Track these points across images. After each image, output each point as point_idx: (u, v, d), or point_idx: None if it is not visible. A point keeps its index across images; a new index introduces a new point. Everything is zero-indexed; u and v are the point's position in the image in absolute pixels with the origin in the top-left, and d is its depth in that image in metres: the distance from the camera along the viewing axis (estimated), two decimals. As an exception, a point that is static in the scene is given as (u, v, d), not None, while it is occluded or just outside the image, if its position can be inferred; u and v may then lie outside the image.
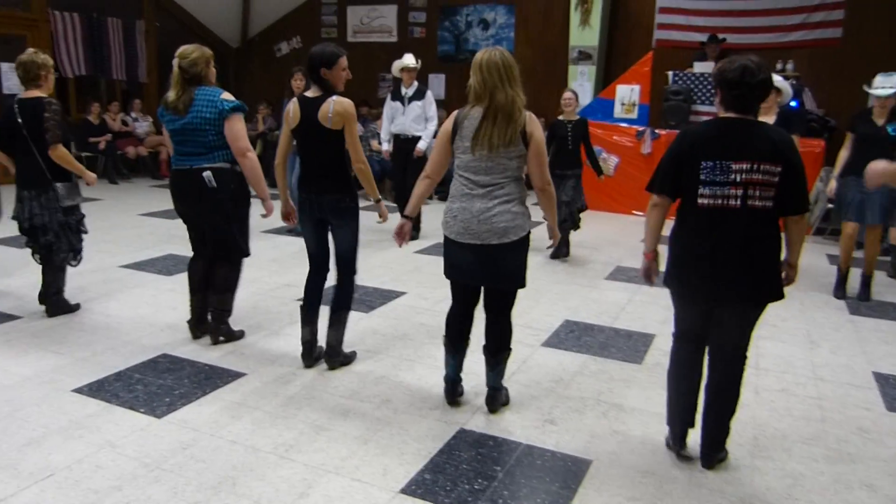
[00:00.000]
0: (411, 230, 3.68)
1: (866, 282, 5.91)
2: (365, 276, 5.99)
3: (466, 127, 3.29)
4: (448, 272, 3.51)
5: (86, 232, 4.95)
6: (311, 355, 4.13)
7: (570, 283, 6.10)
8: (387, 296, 5.54)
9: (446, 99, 12.45)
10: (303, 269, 5.56)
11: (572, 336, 4.78)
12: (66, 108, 11.57)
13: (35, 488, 2.82)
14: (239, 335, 4.55)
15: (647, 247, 3.17)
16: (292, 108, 3.90)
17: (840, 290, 5.96)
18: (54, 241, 4.69)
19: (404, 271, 6.29)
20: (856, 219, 5.79)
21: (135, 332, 4.59)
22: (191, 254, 4.54)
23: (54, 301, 4.85)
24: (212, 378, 3.92)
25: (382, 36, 13.22)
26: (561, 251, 6.88)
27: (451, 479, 2.98)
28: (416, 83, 7.74)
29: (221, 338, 4.47)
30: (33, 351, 4.24)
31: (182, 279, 5.80)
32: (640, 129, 9.49)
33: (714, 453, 3.13)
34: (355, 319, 4.93)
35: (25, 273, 5.82)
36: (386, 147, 7.92)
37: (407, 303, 5.40)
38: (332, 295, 4.12)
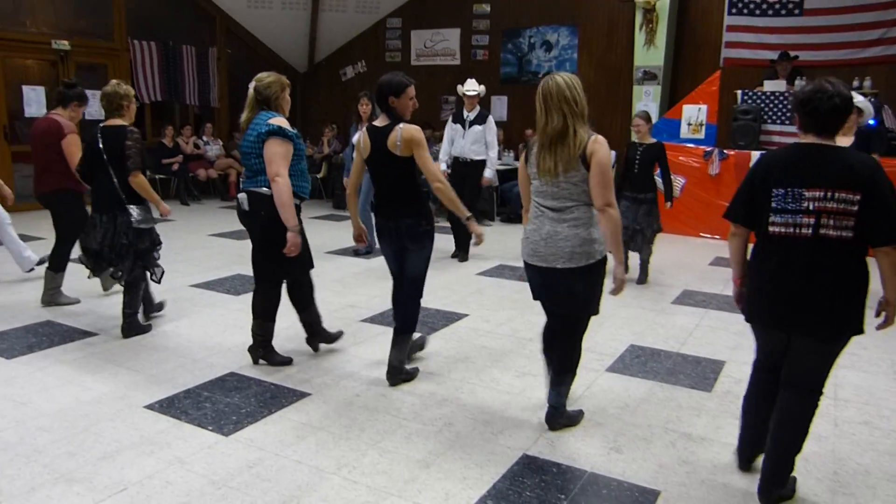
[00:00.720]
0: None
1: None
2: (428, 297, 5.98)
3: (532, 155, 3.39)
4: (533, 295, 3.59)
5: (158, 254, 5.09)
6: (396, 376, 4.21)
7: (635, 306, 5.98)
8: (449, 318, 5.54)
9: (508, 121, 12.47)
10: (366, 289, 5.62)
11: (638, 361, 4.68)
12: (143, 133, 12.05)
13: (109, 502, 2.90)
14: (282, 361, 4.47)
15: (735, 274, 3.13)
16: (362, 138, 4.00)
17: None
18: (123, 262, 4.82)
19: (467, 293, 6.28)
20: None
21: (204, 351, 4.70)
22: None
23: (129, 322, 4.97)
24: (277, 397, 3.97)
25: (445, 59, 13.35)
26: (640, 278, 6.74)
27: (514, 505, 2.94)
28: (478, 107, 7.79)
29: (261, 360, 4.48)
30: (109, 367, 4.38)
31: (248, 299, 5.95)
32: (708, 149, 9.30)
33: (775, 489, 2.95)
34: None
35: (102, 294, 6.04)
36: (444, 168, 7.94)
37: (469, 325, 5.38)
38: (399, 316, 4.19)
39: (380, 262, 7.43)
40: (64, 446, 3.36)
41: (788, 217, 2.77)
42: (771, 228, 2.83)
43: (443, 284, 6.53)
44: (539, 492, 3.05)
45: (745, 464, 3.22)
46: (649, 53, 11.02)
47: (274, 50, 13.90)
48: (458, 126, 7.77)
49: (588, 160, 3.21)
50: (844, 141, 5.26)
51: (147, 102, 11.89)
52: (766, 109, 9.27)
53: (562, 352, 3.55)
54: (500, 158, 10.52)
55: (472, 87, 7.75)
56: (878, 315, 2.86)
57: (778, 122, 9.12)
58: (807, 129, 2.80)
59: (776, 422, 2.96)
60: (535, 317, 5.57)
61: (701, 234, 9.26)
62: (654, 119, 10.55)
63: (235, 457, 3.30)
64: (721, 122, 9.59)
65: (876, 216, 2.65)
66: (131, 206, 4.80)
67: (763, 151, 8.01)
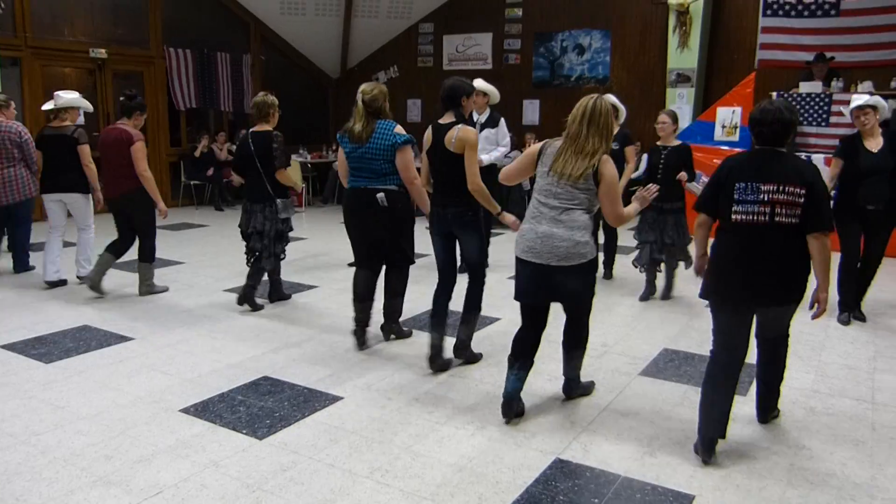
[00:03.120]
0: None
1: None
2: (459, 301, 6.01)
3: (548, 154, 3.65)
4: (516, 295, 3.80)
5: (287, 240, 5.88)
6: (436, 360, 4.48)
7: (668, 310, 5.92)
8: (481, 321, 5.51)
9: (540, 125, 12.43)
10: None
11: (672, 365, 4.64)
12: (178, 139, 12.25)
13: (145, 504, 2.95)
14: (407, 334, 5.17)
15: (698, 252, 3.72)
16: (427, 133, 4.48)
17: None
18: (267, 246, 5.65)
19: (499, 297, 6.26)
20: None
21: (238, 356, 4.76)
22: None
23: (246, 293, 5.79)
24: (310, 401, 4.01)
25: (477, 63, 13.36)
26: (664, 293, 6.39)
27: (546, 510, 2.93)
28: (489, 110, 7.17)
29: (392, 336, 5.10)
30: (145, 371, 4.46)
31: (282, 304, 6.02)
32: (742, 151, 9.17)
33: (767, 412, 3.76)
34: (450, 343, 4.95)
35: (137, 298, 6.16)
36: None
37: (501, 329, 5.37)
38: (465, 296, 4.55)
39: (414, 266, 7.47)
40: (101, 449, 3.42)
41: (748, 206, 3.28)
42: (734, 216, 3.32)
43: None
44: (572, 496, 3.04)
45: (708, 451, 3.35)
46: (683, 56, 10.93)
47: (307, 56, 14.05)
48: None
49: (598, 178, 3.52)
50: (873, 141, 5.37)
51: (182, 109, 12.07)
52: (803, 111, 9.11)
53: (569, 332, 3.92)
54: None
55: (479, 84, 6.74)
56: (811, 307, 3.36)
57: (815, 123, 8.97)
58: (760, 141, 3.38)
59: (761, 365, 3.69)
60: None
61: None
62: (688, 121, 10.47)
63: (269, 460, 3.33)
64: (756, 124, 9.45)
65: (813, 208, 3.21)
66: (278, 199, 5.60)
67: (807, 154, 7.90)
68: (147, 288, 6.28)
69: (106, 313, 5.69)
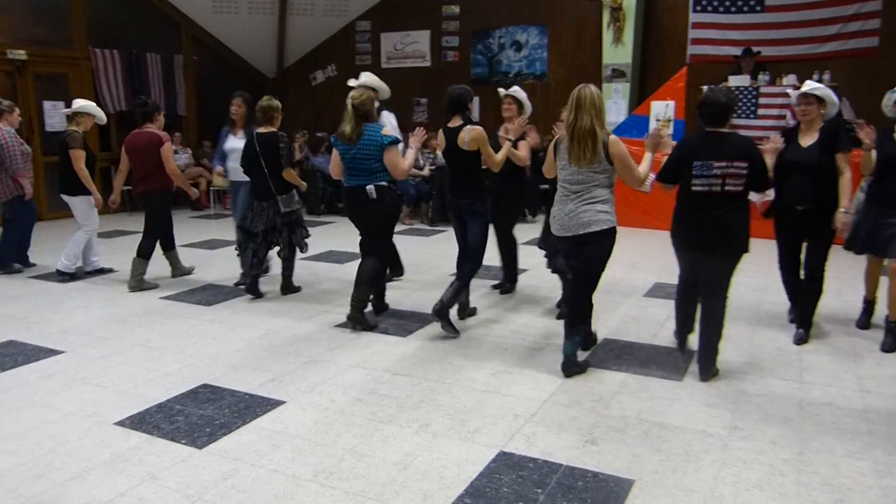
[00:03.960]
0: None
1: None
2: (407, 298, 6.02)
3: (562, 150, 4.29)
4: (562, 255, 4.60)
5: (307, 234, 6.33)
6: (463, 312, 5.51)
7: (608, 301, 6.03)
8: (423, 319, 5.54)
9: (481, 121, 12.45)
10: (338, 296, 5.65)
11: (611, 354, 4.72)
12: (108, 143, 11.88)
13: (80, 519, 2.86)
14: (374, 325, 5.31)
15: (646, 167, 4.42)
16: (440, 136, 5.24)
17: (865, 321, 5.30)
18: (280, 237, 6.09)
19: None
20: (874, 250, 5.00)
21: (175, 364, 4.66)
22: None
23: (286, 283, 6.36)
24: (252, 407, 3.95)
25: (416, 61, 13.37)
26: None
27: (491, 502, 2.95)
28: (376, 106, 6.23)
29: (358, 326, 5.24)
30: (76, 385, 4.32)
31: (221, 308, 5.93)
32: (696, 132, 9.38)
33: (709, 367, 4.27)
34: (392, 343, 4.97)
35: (67, 309, 5.98)
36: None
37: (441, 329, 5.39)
38: (460, 270, 5.33)
39: (348, 270, 7.45)
40: (30, 469, 3.29)
41: (705, 180, 4.14)
42: (693, 188, 4.18)
43: (420, 286, 6.54)
44: (516, 487, 3.07)
45: (682, 345, 4.66)
46: (617, 51, 11.13)
47: (241, 55, 13.82)
48: None
49: (610, 156, 4.11)
50: (807, 138, 4.75)
51: (112, 112, 11.70)
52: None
53: (578, 304, 4.42)
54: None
55: (363, 78, 6.35)
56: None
57: (743, 116, 9.23)
58: (706, 121, 4.22)
59: (702, 321, 4.29)
60: (509, 314, 5.60)
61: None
62: (624, 116, 10.67)
63: (210, 469, 3.27)
64: (689, 117, 9.69)
65: (755, 175, 4.12)
66: (279, 196, 5.98)
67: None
68: (136, 283, 6.60)
69: (34, 326, 5.49)
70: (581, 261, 4.29)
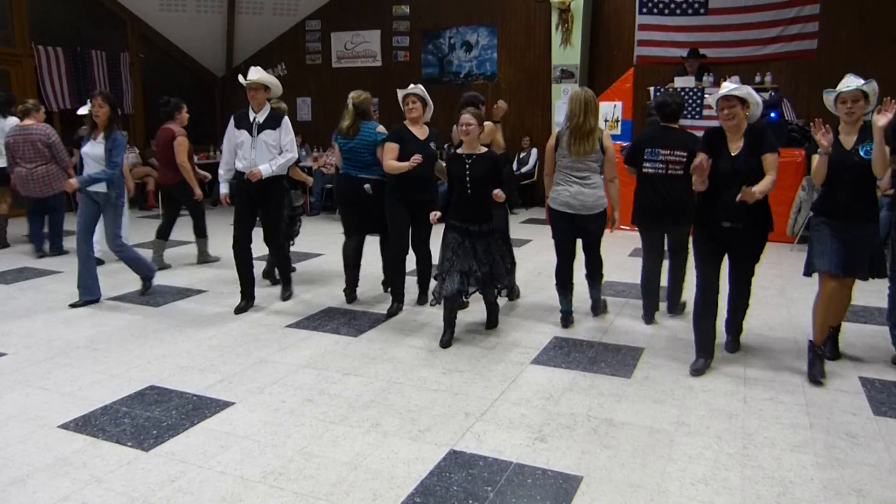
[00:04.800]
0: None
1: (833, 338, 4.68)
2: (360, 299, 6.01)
3: (563, 142, 5.11)
4: (554, 234, 5.30)
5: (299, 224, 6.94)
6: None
7: (557, 299, 6.09)
8: (376, 319, 5.54)
9: (431, 121, 12.48)
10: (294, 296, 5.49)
11: (562, 353, 4.79)
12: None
13: (21, 526, 2.79)
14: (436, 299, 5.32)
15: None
16: (455, 132, 5.38)
17: (816, 369, 4.30)
18: (285, 229, 6.31)
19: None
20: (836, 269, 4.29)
21: (121, 365, 4.57)
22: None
23: (283, 273, 6.44)
24: (200, 408, 3.90)
25: (366, 61, 13.33)
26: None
27: (441, 501, 2.97)
28: (268, 106, 5.70)
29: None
30: (18, 388, 4.21)
31: (169, 310, 5.83)
32: (625, 144, 9.54)
33: (675, 304, 5.57)
34: (344, 343, 4.95)
35: (9, 310, 5.80)
36: (224, 191, 5.95)
37: (394, 325, 5.40)
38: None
39: (301, 269, 7.37)
40: (-29, 472, 3.21)
41: (652, 164, 5.21)
42: (644, 170, 5.26)
43: (371, 284, 6.52)
44: (466, 486, 3.09)
45: (649, 317, 5.48)
46: (566, 52, 11.27)
47: (190, 54, 13.61)
48: (244, 132, 5.63)
49: (604, 150, 5.09)
50: (736, 144, 4.24)
51: (55, 111, 11.40)
52: (678, 104, 9.58)
53: (590, 263, 5.39)
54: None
55: (252, 75, 5.62)
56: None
57: (689, 116, 9.43)
58: (663, 119, 5.24)
59: (670, 271, 5.46)
60: (460, 313, 5.62)
61: (620, 226, 9.47)
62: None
63: (156, 471, 3.22)
64: (636, 117, 9.88)
65: (688, 164, 4.81)
66: (293, 192, 6.64)
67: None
68: (203, 258, 7.71)
69: (-26, 329, 5.33)
70: (586, 235, 5.23)
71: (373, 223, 5.91)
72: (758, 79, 9.66)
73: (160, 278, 6.78)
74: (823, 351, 4.39)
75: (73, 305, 5.94)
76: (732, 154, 4.26)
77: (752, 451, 3.40)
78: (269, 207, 5.85)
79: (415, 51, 12.95)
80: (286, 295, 6.19)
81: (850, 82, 4.20)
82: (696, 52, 9.92)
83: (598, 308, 5.61)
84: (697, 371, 4.38)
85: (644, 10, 10.69)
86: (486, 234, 4.92)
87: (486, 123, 5.30)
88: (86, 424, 3.70)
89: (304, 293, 6.35)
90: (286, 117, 5.77)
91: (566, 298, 5.37)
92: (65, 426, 3.68)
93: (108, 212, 5.94)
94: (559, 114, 11.38)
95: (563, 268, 5.32)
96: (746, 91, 4.25)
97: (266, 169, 5.56)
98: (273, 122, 5.63)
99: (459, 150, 5.01)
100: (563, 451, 3.40)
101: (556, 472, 3.20)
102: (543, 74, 11.68)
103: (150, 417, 3.78)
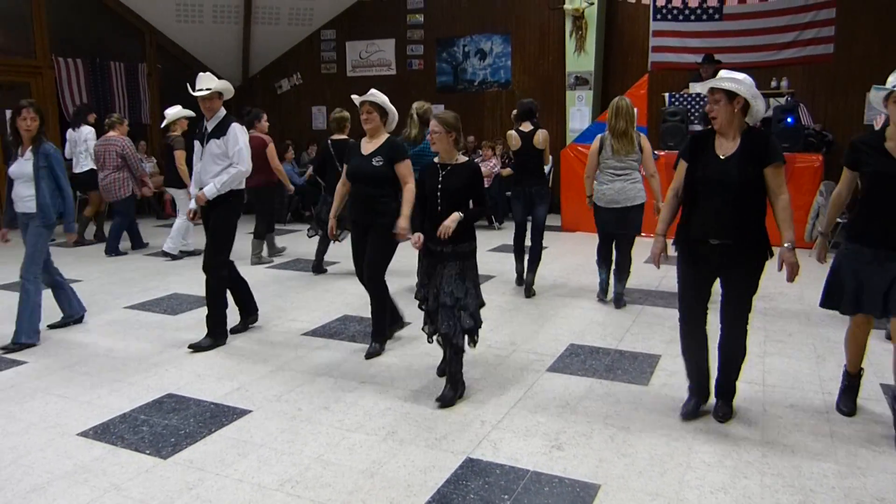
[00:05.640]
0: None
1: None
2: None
3: (607, 145, 5.92)
4: (599, 226, 6.18)
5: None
6: (520, 282, 6.76)
7: (574, 306, 6.09)
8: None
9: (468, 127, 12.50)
10: (306, 304, 5.58)
11: (578, 360, 4.77)
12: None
13: (41, 534, 2.82)
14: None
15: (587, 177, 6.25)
16: (514, 136, 6.47)
17: (848, 402, 3.90)
18: (322, 226, 7.06)
19: (413, 303, 6.29)
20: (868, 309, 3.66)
21: (140, 374, 4.60)
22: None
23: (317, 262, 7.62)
24: (217, 416, 3.92)
25: (381, 69, 13.37)
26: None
27: (458, 509, 2.96)
28: (223, 112, 5.19)
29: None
30: (39, 396, 4.25)
31: (186, 318, 5.87)
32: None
33: (622, 275, 6.20)
34: (360, 351, 4.95)
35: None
36: (192, 205, 5.30)
37: (411, 333, 5.40)
38: (530, 252, 6.57)
39: (315, 278, 7.40)
40: (-8, 480, 3.24)
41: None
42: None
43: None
44: (483, 493, 3.08)
45: (604, 291, 6.32)
46: (580, 59, 11.26)
47: (206, 64, 13.67)
48: (197, 142, 5.24)
49: (642, 149, 5.94)
50: (726, 146, 3.54)
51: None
52: (692, 111, 9.55)
53: (621, 260, 6.12)
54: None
55: (203, 84, 5.16)
56: None
57: (703, 123, 9.39)
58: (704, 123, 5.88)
59: (618, 248, 6.17)
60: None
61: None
62: (588, 123, 10.79)
63: (174, 479, 3.24)
64: (651, 123, 9.84)
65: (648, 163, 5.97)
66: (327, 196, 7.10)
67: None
68: (256, 258, 8.16)
69: (-5, 338, 5.38)
70: (626, 226, 5.95)
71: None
72: (773, 84, 9.60)
73: (173, 285, 6.82)
74: (857, 381, 3.90)
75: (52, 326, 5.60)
76: (721, 157, 3.54)
77: (771, 460, 3.36)
78: (209, 221, 5.14)
79: (429, 59, 12.99)
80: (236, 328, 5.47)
81: None
82: (710, 57, 9.86)
83: (621, 302, 6.11)
84: (688, 415, 3.77)
85: (658, 16, 10.65)
86: (458, 257, 4.06)
87: (540, 130, 6.34)
88: (105, 432, 3.73)
89: (321, 300, 6.37)
90: (234, 124, 5.09)
91: (604, 269, 6.26)
92: (84, 434, 3.71)
93: (32, 234, 5.20)
94: (574, 121, 11.38)
95: (603, 247, 6.22)
96: (732, 83, 3.47)
97: (210, 190, 4.99)
98: (220, 130, 5.05)
99: (436, 160, 4.29)
100: (581, 459, 3.38)
101: (574, 480, 3.19)
102: (558, 82, 11.67)
103: (168, 425, 3.80)
